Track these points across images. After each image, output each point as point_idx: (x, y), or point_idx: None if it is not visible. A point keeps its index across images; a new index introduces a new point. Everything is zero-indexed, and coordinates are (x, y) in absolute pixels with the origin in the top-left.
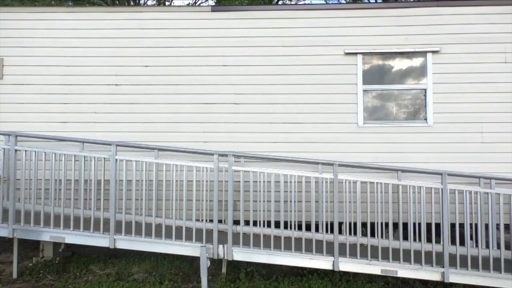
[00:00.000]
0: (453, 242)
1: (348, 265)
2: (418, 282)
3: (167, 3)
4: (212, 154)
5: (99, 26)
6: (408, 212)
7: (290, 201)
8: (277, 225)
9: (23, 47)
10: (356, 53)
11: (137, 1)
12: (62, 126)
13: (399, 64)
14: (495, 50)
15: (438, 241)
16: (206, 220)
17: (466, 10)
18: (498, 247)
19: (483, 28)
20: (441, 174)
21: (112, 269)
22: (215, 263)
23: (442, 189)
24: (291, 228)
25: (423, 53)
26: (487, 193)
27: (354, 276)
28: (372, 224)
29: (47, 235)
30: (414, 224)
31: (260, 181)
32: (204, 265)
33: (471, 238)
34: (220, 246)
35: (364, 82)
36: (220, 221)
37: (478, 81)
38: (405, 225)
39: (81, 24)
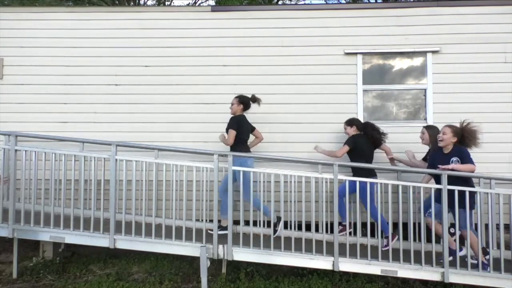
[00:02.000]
0: None
1: (348, 265)
2: (418, 282)
3: (167, 3)
4: (212, 154)
5: (99, 26)
6: (408, 212)
7: (290, 201)
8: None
9: (23, 47)
10: (356, 53)
11: (137, 1)
12: (62, 126)
13: (399, 64)
14: (495, 50)
15: (438, 241)
16: (206, 220)
17: (466, 10)
18: (498, 247)
19: (483, 28)
20: (441, 174)
21: (112, 269)
22: (215, 263)
23: (442, 189)
24: (291, 228)
25: (423, 53)
26: (487, 193)
27: (354, 276)
28: (372, 224)
29: (47, 235)
30: (414, 224)
31: (260, 181)
32: (204, 265)
33: None
34: (220, 246)
35: (364, 82)
36: (220, 221)
37: (478, 81)
38: (405, 225)
39: (81, 24)
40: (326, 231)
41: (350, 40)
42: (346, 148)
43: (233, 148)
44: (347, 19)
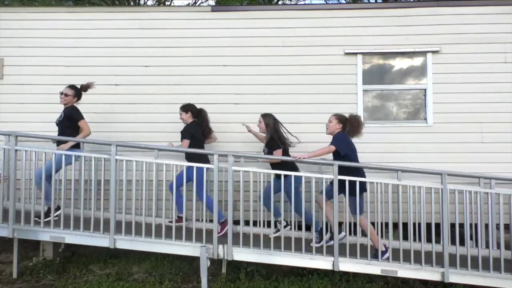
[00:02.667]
0: (453, 242)
1: (348, 265)
2: (418, 282)
3: (167, 3)
4: (212, 154)
5: (99, 26)
6: (408, 212)
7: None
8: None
9: (23, 47)
10: (356, 53)
11: (137, 1)
12: None
13: (399, 64)
14: (495, 50)
15: (438, 241)
16: (206, 220)
17: (466, 10)
18: (498, 247)
19: (483, 28)
20: (441, 174)
21: (112, 269)
22: (215, 263)
23: (442, 189)
24: (291, 228)
25: (423, 53)
26: (487, 193)
27: (354, 276)
28: (372, 224)
29: (47, 235)
30: (414, 224)
31: (260, 181)
32: (204, 265)
33: (471, 238)
34: (220, 246)
35: (364, 82)
36: None
37: (478, 81)
38: (405, 225)
39: (81, 24)
40: (326, 231)
41: (350, 40)
42: (186, 141)
43: (72, 135)
44: (347, 19)
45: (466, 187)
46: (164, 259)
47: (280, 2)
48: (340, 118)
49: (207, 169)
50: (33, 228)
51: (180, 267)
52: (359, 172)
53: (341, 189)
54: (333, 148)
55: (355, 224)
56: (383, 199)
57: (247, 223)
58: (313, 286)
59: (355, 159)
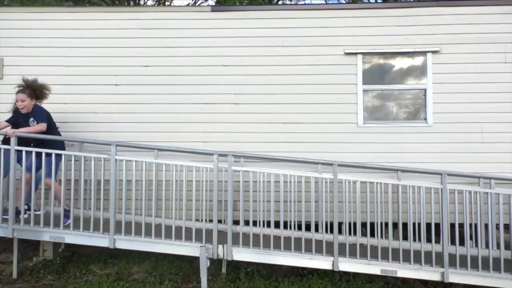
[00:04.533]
0: (452, 242)
1: (347, 265)
2: (418, 282)
3: (167, 3)
4: (212, 154)
5: (99, 26)
6: (407, 212)
7: (290, 201)
8: (277, 225)
9: (23, 47)
10: (356, 53)
11: (137, 1)
12: (61, 126)
13: (399, 64)
14: (495, 50)
15: (437, 241)
16: (206, 220)
17: (466, 10)
18: (498, 247)
19: (483, 28)
20: (440, 174)
21: (112, 269)
22: (215, 263)
23: (441, 189)
24: (290, 228)
25: (423, 53)
26: (487, 193)
27: (354, 276)
28: (372, 224)
29: (47, 235)
30: (414, 224)
31: (259, 181)
32: (204, 265)
33: (471, 238)
34: (220, 246)
35: (364, 82)
36: (219, 221)
37: (478, 81)
38: (404, 225)
39: (81, 24)
40: (326, 231)
41: (350, 40)
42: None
43: None
44: (347, 19)
45: (466, 187)
46: (164, 259)
47: (280, 2)
48: (29, 93)
49: (207, 168)
50: (33, 228)
51: (180, 267)
52: (58, 144)
53: (40, 157)
54: (44, 125)
55: (354, 224)
56: (383, 199)
57: (247, 223)
58: (313, 286)
59: (55, 128)
